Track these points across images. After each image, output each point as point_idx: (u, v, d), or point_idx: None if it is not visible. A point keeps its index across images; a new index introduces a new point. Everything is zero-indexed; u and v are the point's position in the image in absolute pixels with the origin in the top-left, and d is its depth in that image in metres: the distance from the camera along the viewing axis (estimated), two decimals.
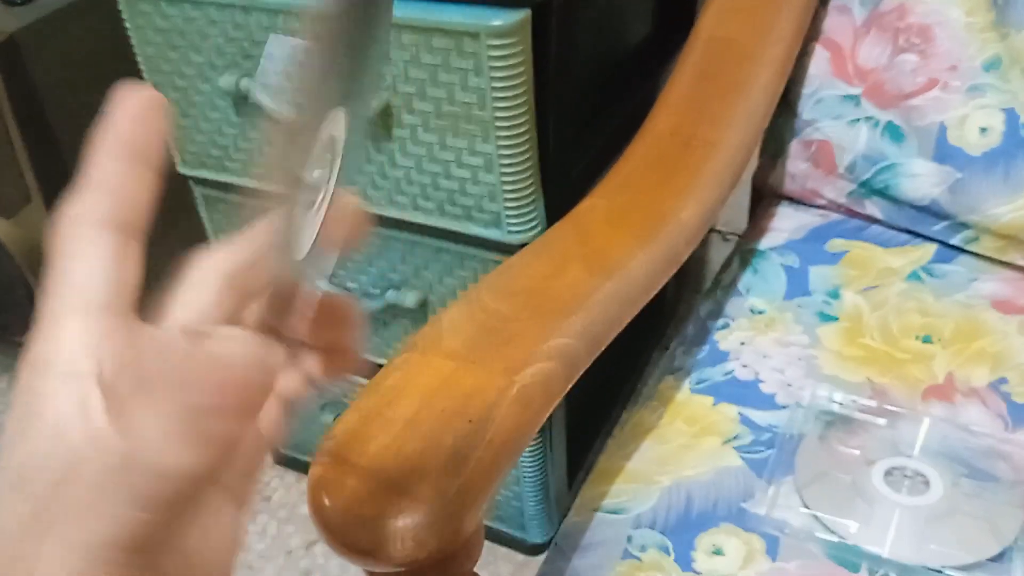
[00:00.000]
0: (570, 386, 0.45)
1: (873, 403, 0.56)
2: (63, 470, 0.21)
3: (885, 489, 0.50)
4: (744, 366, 0.61)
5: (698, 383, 0.60)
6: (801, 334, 0.62)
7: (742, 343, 0.63)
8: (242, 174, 0.78)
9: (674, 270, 0.55)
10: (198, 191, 0.83)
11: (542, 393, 0.42)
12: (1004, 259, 0.64)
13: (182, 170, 0.80)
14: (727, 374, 0.60)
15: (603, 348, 0.48)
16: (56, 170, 0.97)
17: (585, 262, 0.50)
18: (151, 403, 0.21)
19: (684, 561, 0.48)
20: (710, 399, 0.59)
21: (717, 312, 0.66)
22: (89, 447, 0.21)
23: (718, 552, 0.49)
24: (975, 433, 0.53)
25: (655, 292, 0.53)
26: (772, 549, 0.48)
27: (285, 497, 1.07)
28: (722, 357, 0.62)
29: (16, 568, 0.20)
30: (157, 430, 0.21)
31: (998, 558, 0.47)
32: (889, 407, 0.56)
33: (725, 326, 0.64)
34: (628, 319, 0.50)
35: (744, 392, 0.59)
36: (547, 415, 0.43)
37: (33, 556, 0.20)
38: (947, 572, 0.46)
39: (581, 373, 0.45)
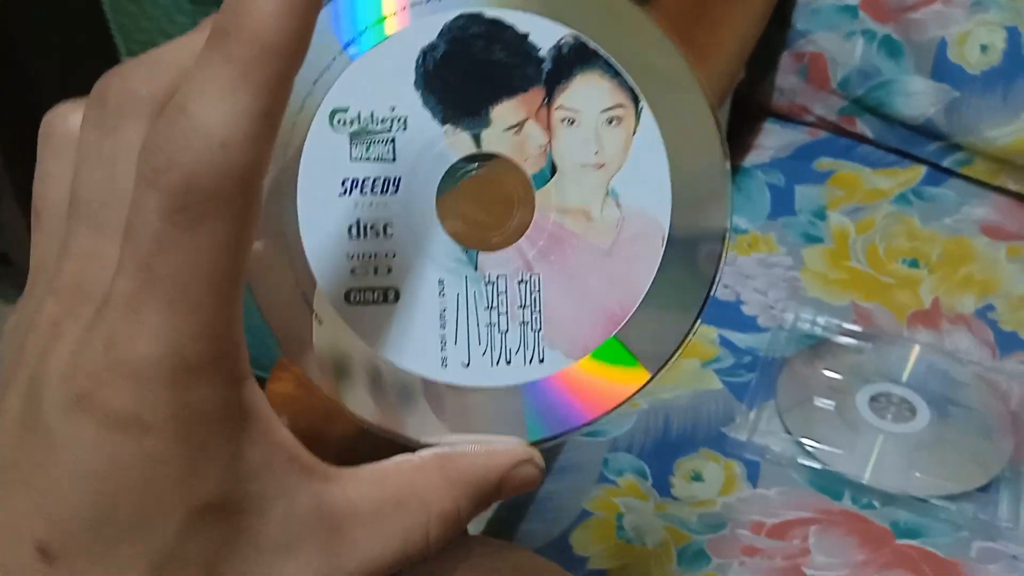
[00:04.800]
0: None
1: (857, 328, 0.54)
2: None
3: (870, 416, 0.49)
4: (725, 287, 0.58)
5: None
6: (785, 255, 0.60)
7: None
8: None
9: None
10: None
11: None
12: (996, 183, 0.62)
13: None
14: None
15: None
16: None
17: None
18: None
19: (662, 486, 0.46)
20: None
21: None
22: None
23: (697, 478, 0.47)
24: (963, 361, 0.52)
25: None
26: (752, 475, 0.47)
27: None
28: None
29: None
30: None
31: (984, 489, 0.45)
32: (875, 332, 0.54)
33: None
34: None
35: (725, 314, 0.56)
36: None
37: None
38: (932, 502, 0.45)
39: None
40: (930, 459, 0.46)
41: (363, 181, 0.20)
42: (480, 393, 0.21)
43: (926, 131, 0.63)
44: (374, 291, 0.21)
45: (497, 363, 0.21)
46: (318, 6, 0.16)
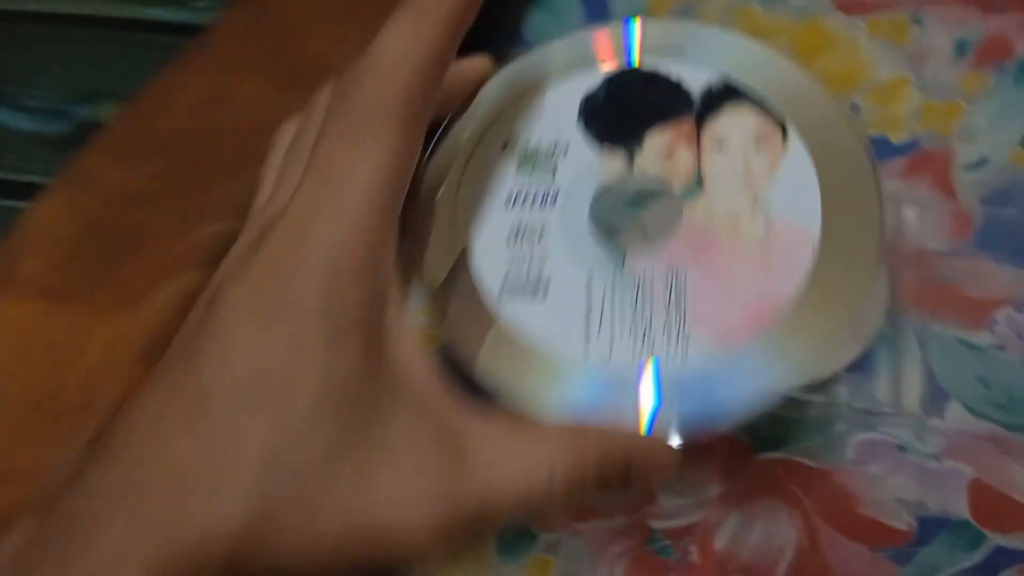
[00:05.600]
0: None
1: None
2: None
3: None
4: None
5: None
6: None
7: None
8: None
9: None
10: None
11: None
12: None
13: None
14: None
15: None
16: None
17: (273, 61, 0.33)
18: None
19: None
20: None
21: None
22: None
23: None
24: None
25: None
26: None
27: None
28: None
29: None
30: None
31: (858, 365, 0.37)
32: None
33: None
34: None
35: None
36: None
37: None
38: (796, 396, 0.36)
39: None
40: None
41: (526, 195, 0.23)
42: (621, 383, 0.22)
43: None
44: (528, 286, 0.23)
45: (640, 354, 0.22)
46: None
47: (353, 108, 0.19)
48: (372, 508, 0.19)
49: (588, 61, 0.25)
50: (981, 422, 0.35)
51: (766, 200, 0.23)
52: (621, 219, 0.23)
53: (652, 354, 0.22)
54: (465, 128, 0.24)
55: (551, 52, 0.25)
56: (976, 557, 0.32)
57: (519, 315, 0.23)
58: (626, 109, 0.24)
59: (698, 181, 0.23)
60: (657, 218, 0.23)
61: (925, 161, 0.43)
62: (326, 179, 0.19)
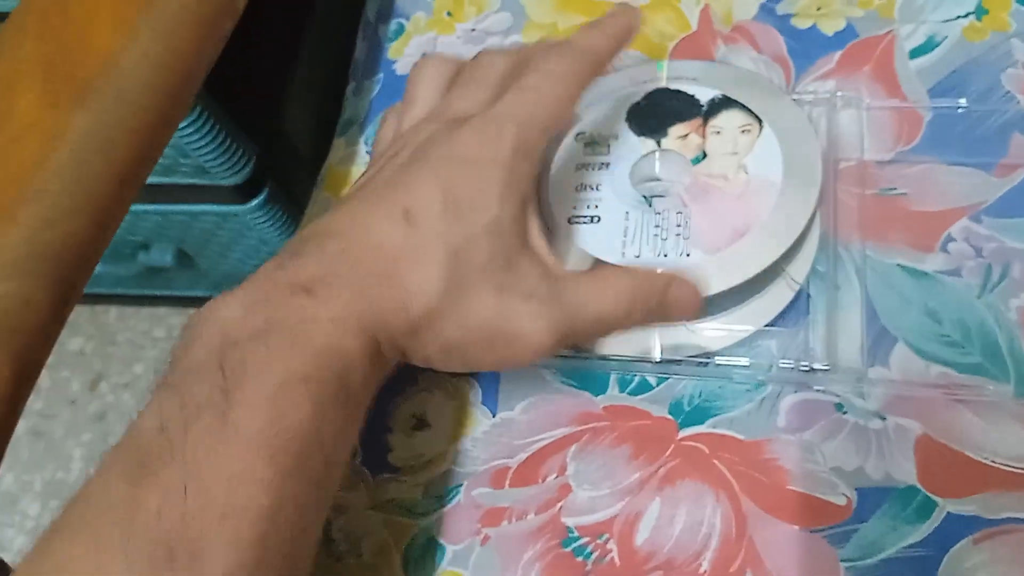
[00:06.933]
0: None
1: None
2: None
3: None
4: None
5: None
6: (501, 11, 0.42)
7: (425, 54, 0.43)
8: None
9: (231, 24, 0.34)
10: None
11: None
12: None
13: None
14: None
15: (105, 240, 0.29)
16: None
17: (45, 79, 0.29)
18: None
19: (376, 456, 0.34)
20: None
21: (386, 12, 0.45)
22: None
23: (420, 425, 0.34)
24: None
25: (203, 69, 0.33)
26: (489, 396, 0.34)
27: None
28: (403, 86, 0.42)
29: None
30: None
31: (788, 312, 0.32)
32: None
33: (398, 32, 0.44)
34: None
35: None
36: None
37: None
38: (718, 361, 0.32)
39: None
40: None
41: (588, 164, 0.35)
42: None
43: None
44: (586, 217, 0.34)
45: (658, 256, 0.32)
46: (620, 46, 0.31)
47: (556, 63, 0.29)
48: (506, 316, 0.27)
49: (634, 83, 0.36)
50: (931, 366, 0.30)
51: (747, 165, 0.33)
52: (651, 176, 0.34)
53: (666, 256, 0.32)
54: None
55: (610, 80, 0.36)
56: (925, 529, 0.28)
57: (580, 234, 0.33)
58: (657, 112, 0.35)
59: (703, 155, 0.33)
60: (674, 174, 0.34)
61: (863, 51, 0.36)
62: (525, 94, 0.28)
